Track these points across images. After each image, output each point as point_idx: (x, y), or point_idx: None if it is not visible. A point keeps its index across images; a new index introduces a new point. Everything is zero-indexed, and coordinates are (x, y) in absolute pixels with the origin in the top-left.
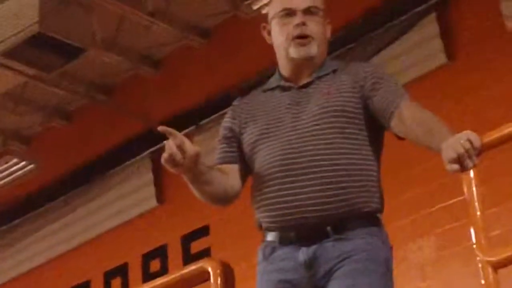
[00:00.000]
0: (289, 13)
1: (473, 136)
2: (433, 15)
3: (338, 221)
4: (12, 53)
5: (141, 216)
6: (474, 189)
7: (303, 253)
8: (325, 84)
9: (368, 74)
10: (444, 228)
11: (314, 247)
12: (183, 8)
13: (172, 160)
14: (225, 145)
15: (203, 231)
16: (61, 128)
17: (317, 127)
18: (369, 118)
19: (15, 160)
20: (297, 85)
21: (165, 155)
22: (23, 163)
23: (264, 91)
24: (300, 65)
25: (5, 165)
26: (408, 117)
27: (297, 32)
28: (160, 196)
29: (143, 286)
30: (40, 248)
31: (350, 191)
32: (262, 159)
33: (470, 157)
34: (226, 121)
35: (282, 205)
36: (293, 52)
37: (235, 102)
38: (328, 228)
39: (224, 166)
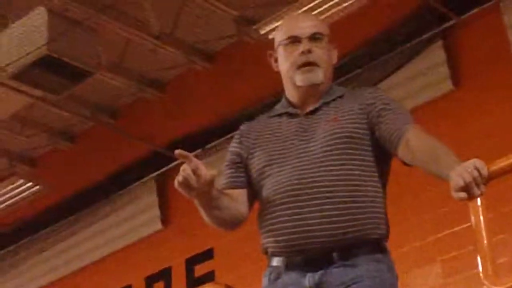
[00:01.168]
0: (294, 40)
1: (480, 164)
2: (439, 42)
3: (344, 247)
4: (20, 75)
5: (145, 239)
6: (481, 216)
7: (309, 279)
8: (331, 111)
9: (374, 100)
10: (451, 255)
11: (320, 272)
12: (189, 32)
13: (186, 184)
14: (232, 170)
15: (208, 254)
16: (66, 150)
17: (325, 153)
18: (376, 144)
19: (21, 182)
20: (304, 111)
21: (179, 179)
22: (29, 184)
23: (271, 117)
24: (306, 93)
25: (11, 186)
26: (415, 145)
27: (302, 60)
28: (165, 219)
29: None
30: (44, 269)
31: (357, 218)
32: (270, 186)
33: (477, 185)
34: (234, 146)
35: (289, 230)
36: (299, 80)
37: (242, 127)
38: (334, 254)
39: (231, 191)
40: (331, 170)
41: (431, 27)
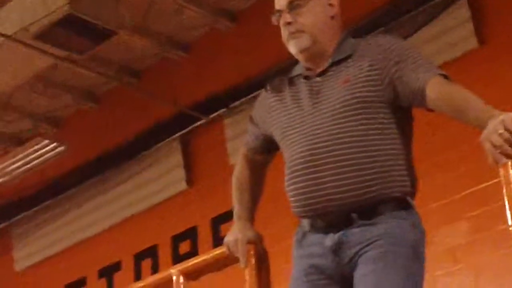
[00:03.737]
0: (279, 14)
1: (510, 122)
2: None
3: (363, 207)
4: (43, 35)
5: (170, 199)
6: (511, 170)
7: (330, 239)
8: (343, 70)
9: (388, 53)
10: (478, 212)
11: (341, 233)
12: None
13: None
14: (251, 135)
15: (233, 214)
16: (91, 111)
17: (337, 118)
18: (393, 101)
19: (45, 142)
20: (315, 72)
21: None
22: (53, 145)
23: (290, 78)
24: (304, 58)
25: (36, 147)
26: (437, 96)
27: (286, 32)
28: (190, 179)
29: (176, 267)
30: (69, 230)
31: (373, 178)
32: (288, 151)
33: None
34: (253, 112)
35: (307, 195)
36: (291, 49)
37: (265, 89)
38: (353, 215)
39: (252, 155)
40: (344, 134)
41: None
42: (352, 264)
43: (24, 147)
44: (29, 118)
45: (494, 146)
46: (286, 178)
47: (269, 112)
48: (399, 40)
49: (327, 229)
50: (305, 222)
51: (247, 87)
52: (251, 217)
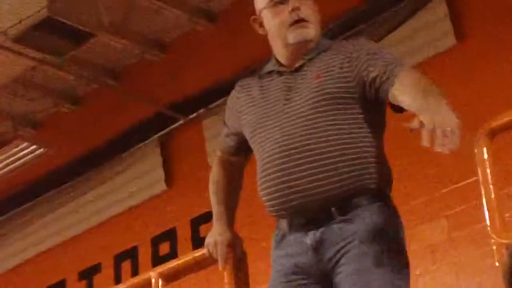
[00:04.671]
0: (280, 2)
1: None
2: None
3: (339, 200)
4: (21, 38)
5: (150, 200)
6: (488, 169)
7: (310, 237)
8: (315, 67)
9: (359, 52)
10: (456, 210)
11: (321, 230)
12: None
13: None
14: (225, 136)
15: (212, 215)
16: (70, 113)
17: (308, 114)
18: (364, 96)
19: (24, 145)
20: (290, 69)
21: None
22: (33, 147)
23: (261, 75)
24: (296, 50)
25: (15, 149)
26: (404, 86)
27: (293, 17)
28: (169, 180)
29: (157, 269)
30: (48, 232)
31: (346, 170)
32: (260, 148)
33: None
34: (226, 111)
35: (282, 193)
36: (292, 37)
37: (235, 89)
38: (333, 209)
39: (227, 156)
40: (315, 129)
41: None
42: (333, 262)
43: (4, 150)
44: (8, 120)
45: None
46: (258, 178)
47: (239, 111)
48: (371, 42)
49: (307, 227)
50: (284, 223)
51: (226, 87)
52: (230, 219)
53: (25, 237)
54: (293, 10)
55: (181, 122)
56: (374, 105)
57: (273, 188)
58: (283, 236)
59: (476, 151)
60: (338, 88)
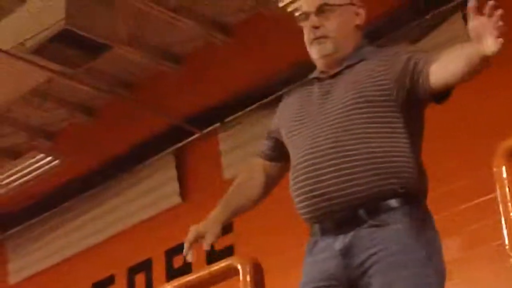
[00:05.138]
0: (305, 17)
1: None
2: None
3: (368, 203)
4: (39, 50)
5: (164, 213)
6: (507, 188)
7: (339, 242)
8: (353, 72)
9: (400, 55)
10: (473, 227)
11: (350, 234)
12: (207, 4)
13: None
14: (268, 141)
15: (227, 228)
16: (85, 124)
17: (340, 115)
18: (403, 99)
19: (40, 156)
20: (329, 74)
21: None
22: (48, 158)
23: (304, 84)
24: (323, 63)
25: (31, 161)
26: (439, 66)
27: (311, 36)
28: (184, 193)
29: (172, 283)
30: (63, 243)
31: (372, 173)
32: (293, 153)
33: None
34: (274, 118)
35: (311, 196)
36: (313, 53)
37: (283, 98)
38: (361, 211)
39: (263, 162)
40: (345, 132)
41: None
42: (362, 270)
43: (19, 161)
44: (24, 131)
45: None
46: (290, 181)
47: (280, 117)
48: (413, 45)
49: (336, 231)
50: (315, 228)
51: (242, 101)
52: (221, 214)
53: (40, 248)
54: (310, 28)
55: (196, 135)
56: (413, 111)
57: (303, 192)
58: (315, 243)
59: (494, 169)
60: (374, 92)
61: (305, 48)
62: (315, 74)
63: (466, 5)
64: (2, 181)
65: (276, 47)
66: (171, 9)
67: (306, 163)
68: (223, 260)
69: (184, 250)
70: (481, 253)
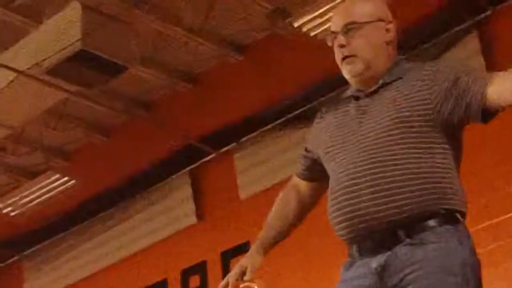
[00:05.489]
0: (333, 36)
1: None
2: (474, 33)
3: (409, 224)
4: (55, 70)
5: (180, 232)
6: None
7: (376, 260)
8: (392, 90)
9: (442, 73)
10: (490, 247)
11: (387, 254)
12: (221, 25)
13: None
14: (302, 161)
15: (243, 248)
16: (101, 144)
17: (379, 135)
18: (445, 121)
19: (56, 176)
20: (365, 93)
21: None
22: (64, 179)
23: (340, 101)
24: (356, 81)
25: (47, 181)
26: (497, 86)
27: (339, 55)
28: (200, 213)
29: None
30: (79, 263)
31: (410, 195)
32: (332, 174)
33: None
34: (308, 137)
35: (349, 216)
36: (344, 73)
37: (317, 115)
38: (400, 231)
39: (300, 181)
40: (385, 152)
41: (466, 18)
42: None
43: (36, 181)
44: (40, 151)
45: None
46: (329, 202)
47: (316, 136)
48: (453, 63)
49: (375, 250)
50: (353, 249)
51: (257, 121)
52: (265, 242)
53: (56, 268)
54: (338, 47)
55: (212, 155)
56: (452, 132)
57: (341, 213)
58: (353, 263)
59: None
60: (414, 111)
61: (320, 68)
62: (351, 92)
63: (480, 25)
64: (18, 202)
65: (291, 67)
66: (186, 29)
67: (344, 184)
68: (241, 282)
69: (222, 283)
70: (498, 272)
